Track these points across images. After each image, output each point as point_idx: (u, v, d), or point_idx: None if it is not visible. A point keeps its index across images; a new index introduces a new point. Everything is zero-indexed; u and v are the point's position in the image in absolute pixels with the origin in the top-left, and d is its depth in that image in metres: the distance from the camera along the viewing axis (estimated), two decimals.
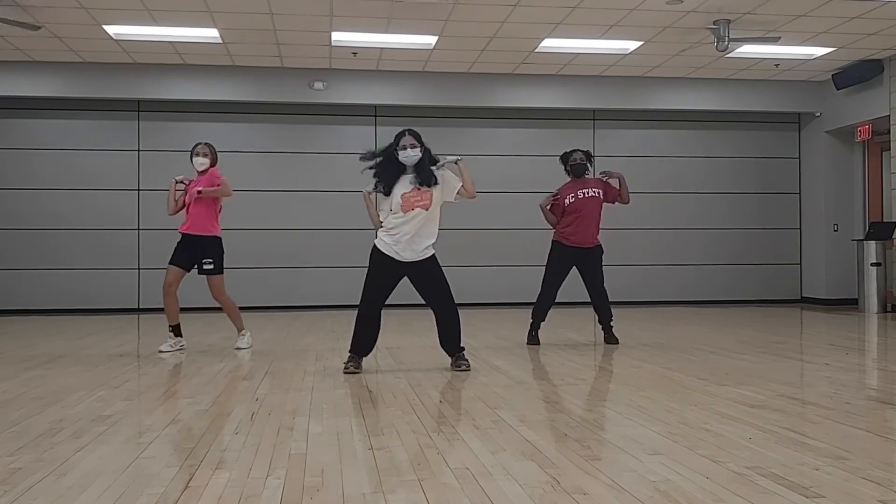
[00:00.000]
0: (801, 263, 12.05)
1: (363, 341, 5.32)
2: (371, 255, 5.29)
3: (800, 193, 12.05)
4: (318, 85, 10.55)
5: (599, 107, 11.29)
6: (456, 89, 10.85)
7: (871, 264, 10.33)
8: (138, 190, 10.78)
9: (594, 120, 11.60)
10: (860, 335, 7.82)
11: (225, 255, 6.41)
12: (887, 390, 4.66)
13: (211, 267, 6.26)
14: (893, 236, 10.30)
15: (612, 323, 6.82)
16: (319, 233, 11.08)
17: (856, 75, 10.37)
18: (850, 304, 11.06)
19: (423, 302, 5.39)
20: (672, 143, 11.83)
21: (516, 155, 11.42)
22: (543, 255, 6.80)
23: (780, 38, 8.24)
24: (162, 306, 6.50)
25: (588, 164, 6.78)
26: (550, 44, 9.45)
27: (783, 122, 11.99)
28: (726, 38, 8.56)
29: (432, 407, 4.10)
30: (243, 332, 6.58)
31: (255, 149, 10.98)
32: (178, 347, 6.37)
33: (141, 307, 10.72)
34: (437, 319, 5.39)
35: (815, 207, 11.72)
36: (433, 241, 5.27)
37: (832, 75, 10.80)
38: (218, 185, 6.23)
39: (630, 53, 9.82)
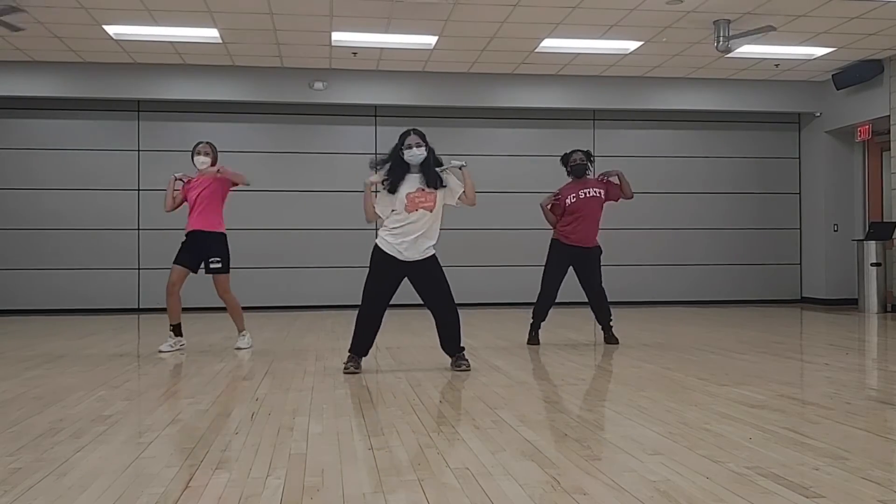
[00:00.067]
0: (801, 263, 12.05)
1: (363, 341, 5.32)
2: (372, 254, 5.28)
3: (800, 193, 12.05)
4: (318, 85, 10.55)
5: (599, 107, 11.29)
6: (456, 89, 10.85)
7: (871, 264, 10.33)
8: (138, 190, 10.79)
9: (594, 120, 11.61)
10: (860, 335, 7.82)
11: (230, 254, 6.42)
12: (887, 390, 4.66)
13: (219, 266, 6.28)
14: (893, 236, 10.30)
15: (611, 323, 6.82)
16: (319, 233, 11.08)
17: (856, 75, 10.37)
18: (850, 304, 11.06)
19: (423, 302, 5.39)
20: (672, 143, 11.83)
21: (516, 155, 11.42)
22: (543, 254, 6.80)
23: (774, 28, 8.18)
24: (162, 306, 6.50)
25: (588, 164, 6.78)
26: (550, 44, 9.45)
27: (783, 122, 12.00)
28: (726, 38, 8.57)
29: (432, 407, 4.10)
30: (243, 332, 6.58)
31: (254, 149, 10.98)
32: (178, 347, 6.37)
33: (141, 307, 10.72)
34: (436, 320, 5.38)
35: (815, 207, 11.73)
36: (434, 241, 5.28)
37: (832, 75, 10.80)
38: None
39: (630, 53, 9.82)
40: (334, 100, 10.72)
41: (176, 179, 6.37)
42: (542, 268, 6.75)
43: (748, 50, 9.62)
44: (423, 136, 5.20)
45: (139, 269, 10.77)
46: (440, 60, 10.18)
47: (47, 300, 10.54)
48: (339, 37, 9.13)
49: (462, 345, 5.40)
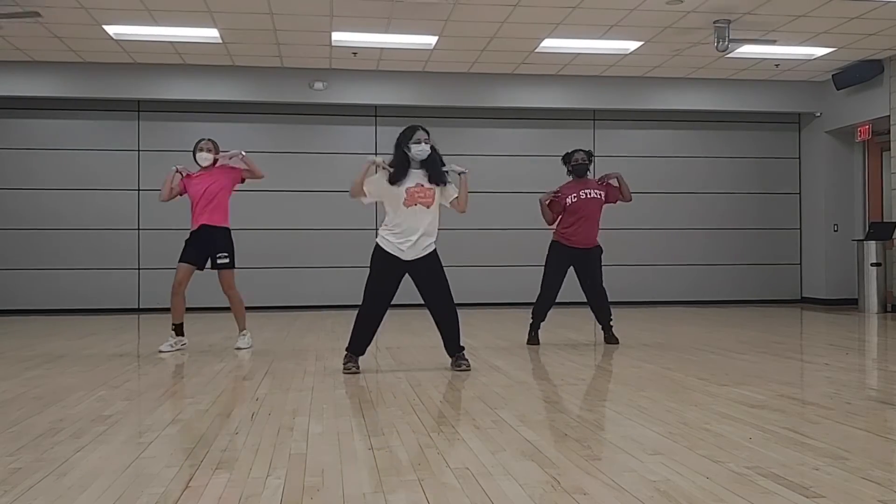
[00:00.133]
0: (801, 263, 12.05)
1: (362, 341, 5.32)
2: (373, 254, 5.28)
3: (800, 193, 12.05)
4: (318, 85, 10.55)
5: (599, 107, 11.29)
6: (456, 89, 10.85)
7: (871, 264, 10.34)
8: (138, 190, 10.79)
9: (594, 120, 11.60)
10: (860, 335, 7.82)
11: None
12: (887, 390, 4.66)
13: (227, 261, 6.32)
14: (893, 236, 10.30)
15: (611, 323, 6.83)
16: (319, 233, 11.08)
17: (856, 75, 10.38)
18: (850, 304, 11.06)
19: (423, 302, 5.39)
20: (672, 143, 11.83)
21: (516, 155, 11.42)
22: (543, 254, 6.79)
23: (776, 40, 8.22)
24: (163, 306, 6.50)
25: (589, 164, 6.78)
26: (550, 44, 9.45)
27: (783, 122, 12.00)
28: (727, 38, 8.57)
29: (432, 407, 4.10)
30: (244, 332, 6.59)
31: (255, 149, 10.89)
32: (178, 347, 6.38)
33: (141, 307, 10.72)
34: (435, 319, 5.38)
35: (815, 207, 11.73)
36: (435, 238, 5.29)
37: (832, 75, 10.80)
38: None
39: (630, 53, 9.82)
40: (334, 100, 10.72)
41: (176, 171, 6.40)
42: (542, 268, 6.76)
43: (748, 50, 9.62)
44: (428, 133, 5.26)
45: (139, 269, 10.76)
46: (440, 60, 10.18)
47: (47, 300, 10.54)
48: (339, 37, 9.14)
49: (462, 345, 5.41)
